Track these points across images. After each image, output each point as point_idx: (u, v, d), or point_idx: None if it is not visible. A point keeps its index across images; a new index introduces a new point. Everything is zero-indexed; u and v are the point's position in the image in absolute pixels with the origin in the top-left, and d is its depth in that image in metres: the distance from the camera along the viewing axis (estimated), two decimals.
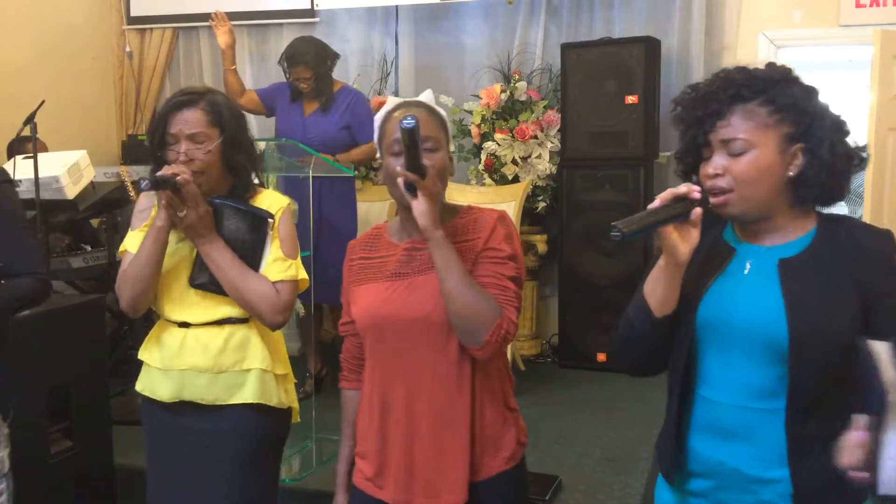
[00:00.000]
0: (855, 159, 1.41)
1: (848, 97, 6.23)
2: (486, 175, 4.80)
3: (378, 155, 1.71)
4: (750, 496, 1.42)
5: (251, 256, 1.94)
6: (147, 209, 2.03)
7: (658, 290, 1.43)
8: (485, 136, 4.80)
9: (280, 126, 4.24)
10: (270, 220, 1.95)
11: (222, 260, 1.91)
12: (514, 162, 4.72)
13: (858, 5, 4.37)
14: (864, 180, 3.35)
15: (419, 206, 1.55)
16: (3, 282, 2.02)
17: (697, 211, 1.36)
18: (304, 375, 4.03)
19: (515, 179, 4.73)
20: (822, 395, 1.34)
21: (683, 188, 1.38)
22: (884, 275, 1.35)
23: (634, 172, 4.52)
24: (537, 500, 2.97)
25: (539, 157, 4.72)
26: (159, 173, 1.86)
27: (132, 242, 1.99)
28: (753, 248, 1.45)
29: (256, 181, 2.07)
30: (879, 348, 1.19)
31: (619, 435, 3.59)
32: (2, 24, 4.96)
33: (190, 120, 1.91)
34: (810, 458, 1.36)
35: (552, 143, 4.73)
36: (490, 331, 1.53)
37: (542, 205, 4.75)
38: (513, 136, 4.70)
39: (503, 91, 4.79)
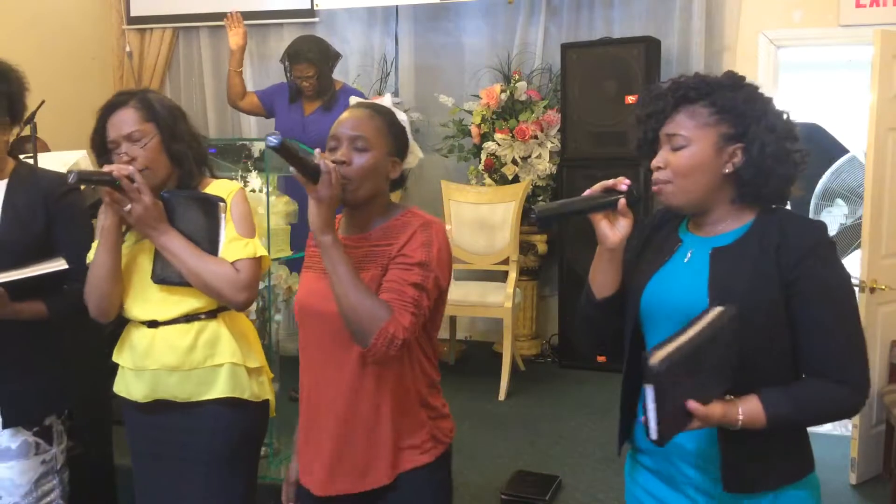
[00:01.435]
0: (788, 161, 1.48)
1: (848, 97, 6.25)
2: (486, 175, 4.81)
3: None
4: (692, 470, 1.51)
5: (208, 242, 1.94)
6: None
7: (596, 274, 1.59)
8: (485, 136, 4.80)
9: (279, 126, 4.23)
10: (222, 204, 1.95)
11: (177, 248, 1.89)
12: (514, 162, 4.72)
13: (858, 5, 4.38)
14: (864, 180, 3.33)
15: (309, 208, 1.58)
16: (65, 287, 2.03)
17: (622, 201, 1.50)
18: None
19: (515, 179, 4.73)
20: (747, 375, 1.41)
21: (612, 181, 1.51)
22: (802, 261, 1.43)
23: (634, 172, 4.49)
24: (537, 500, 2.97)
25: (539, 157, 4.73)
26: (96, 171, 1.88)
27: (92, 252, 1.96)
28: (697, 238, 1.56)
29: (209, 175, 2.06)
30: (711, 312, 1.34)
31: None
32: (2, 24, 4.96)
33: (124, 120, 1.92)
34: (739, 436, 1.42)
35: (552, 143, 4.74)
36: (375, 334, 1.54)
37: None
38: (513, 136, 4.70)
39: (503, 91, 4.79)
